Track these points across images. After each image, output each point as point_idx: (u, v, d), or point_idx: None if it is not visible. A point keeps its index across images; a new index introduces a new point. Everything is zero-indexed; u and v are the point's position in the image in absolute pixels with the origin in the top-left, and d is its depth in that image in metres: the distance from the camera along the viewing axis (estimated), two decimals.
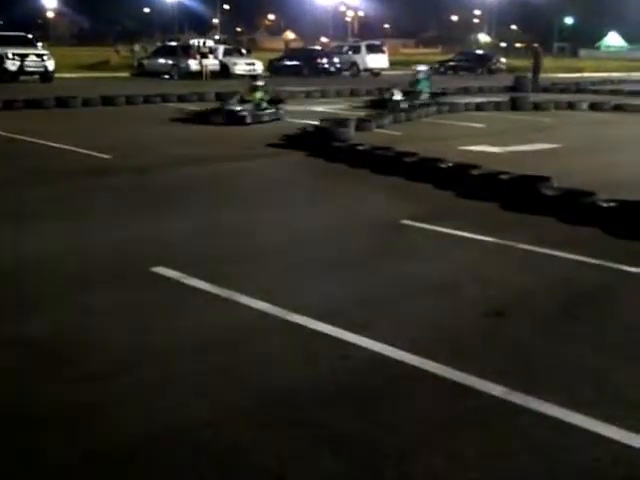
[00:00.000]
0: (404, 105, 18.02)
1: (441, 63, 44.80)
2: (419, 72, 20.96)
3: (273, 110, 16.20)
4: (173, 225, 7.11)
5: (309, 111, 18.17)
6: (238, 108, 15.65)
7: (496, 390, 3.84)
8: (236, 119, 15.26)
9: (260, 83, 16.42)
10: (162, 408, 3.63)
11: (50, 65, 28.22)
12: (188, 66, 32.67)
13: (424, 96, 19.69)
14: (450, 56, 48.67)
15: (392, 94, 18.86)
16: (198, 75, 31.63)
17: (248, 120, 15.29)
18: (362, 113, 16.85)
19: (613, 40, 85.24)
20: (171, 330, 4.61)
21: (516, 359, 4.30)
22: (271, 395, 3.80)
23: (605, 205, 7.23)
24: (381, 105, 18.53)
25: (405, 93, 19.26)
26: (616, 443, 3.38)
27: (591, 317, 5.01)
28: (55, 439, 3.34)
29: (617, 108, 20.31)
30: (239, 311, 4.93)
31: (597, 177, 9.45)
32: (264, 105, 16.13)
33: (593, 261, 6.11)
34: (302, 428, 3.48)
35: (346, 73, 37.97)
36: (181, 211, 7.76)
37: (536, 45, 34.86)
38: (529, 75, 29.00)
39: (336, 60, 38.17)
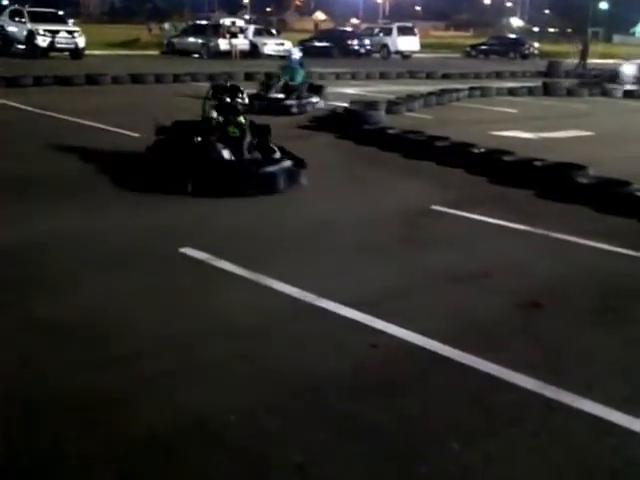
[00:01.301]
0: (295, 110, 13.81)
1: (473, 47, 44.38)
2: (291, 57, 15.62)
3: (286, 163, 7.87)
4: (198, 206, 7.04)
5: (340, 93, 17.99)
6: (226, 156, 7.67)
7: (529, 383, 3.74)
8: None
9: (242, 100, 8.50)
10: (184, 395, 3.57)
11: (80, 42, 28.29)
12: (218, 45, 32.53)
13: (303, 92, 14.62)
14: (481, 40, 48.12)
15: (273, 90, 14.50)
16: (228, 55, 31.51)
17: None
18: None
19: None
20: (197, 314, 4.56)
21: (550, 352, 4.18)
22: (297, 383, 3.73)
23: None
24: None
25: (286, 88, 14.43)
26: None
27: (627, 310, 4.88)
28: (72, 427, 3.27)
29: None
30: (267, 295, 4.86)
31: (632, 166, 9.28)
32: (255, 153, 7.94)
33: (630, 252, 5.96)
34: (328, 418, 3.41)
35: (376, 55, 37.65)
36: None
37: (570, 30, 35.60)
38: (579, 62, 29.85)
39: (366, 42, 37.82)
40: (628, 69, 22.78)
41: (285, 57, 14.67)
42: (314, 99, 14.61)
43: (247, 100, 8.57)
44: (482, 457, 3.14)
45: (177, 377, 3.73)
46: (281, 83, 14.58)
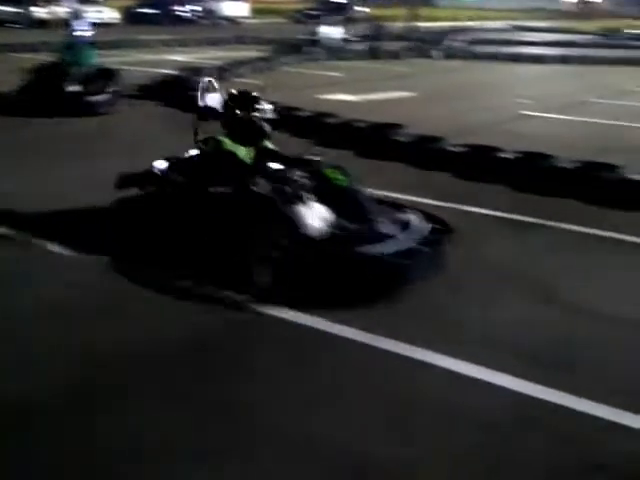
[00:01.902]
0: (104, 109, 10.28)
1: (300, 12, 44.62)
2: (76, 31, 11.10)
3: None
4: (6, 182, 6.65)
5: (167, 60, 17.62)
6: None
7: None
8: None
9: (264, 114, 5.37)
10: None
11: None
12: (36, 14, 30.85)
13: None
14: (309, 5, 48.43)
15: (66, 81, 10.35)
16: (48, 23, 29.95)
17: None
18: None
19: None
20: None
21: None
22: (107, 355, 3.68)
23: (453, 149, 7.50)
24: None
25: (85, 80, 10.46)
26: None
27: None
28: None
29: (470, 56, 21.03)
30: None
31: (448, 123, 9.81)
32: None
33: (440, 204, 6.29)
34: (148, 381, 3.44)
35: (205, 21, 37.09)
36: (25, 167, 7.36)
37: None
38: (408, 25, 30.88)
39: (194, 7, 37.16)
40: (326, 32, 22.15)
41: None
42: (111, 88, 10.76)
43: (272, 114, 5.40)
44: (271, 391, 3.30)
45: None
46: (83, 70, 10.62)
